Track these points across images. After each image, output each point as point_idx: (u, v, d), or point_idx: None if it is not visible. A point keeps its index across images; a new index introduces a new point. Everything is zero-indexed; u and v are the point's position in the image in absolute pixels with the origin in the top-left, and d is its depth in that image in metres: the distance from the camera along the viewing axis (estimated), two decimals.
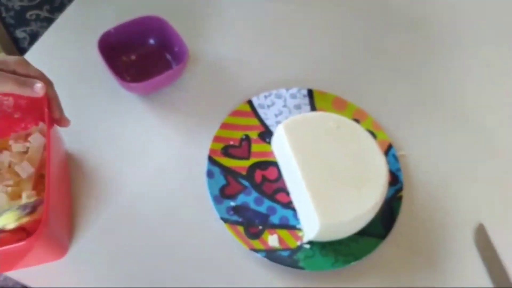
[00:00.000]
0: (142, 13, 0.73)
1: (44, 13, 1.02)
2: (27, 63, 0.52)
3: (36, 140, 0.60)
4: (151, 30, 0.73)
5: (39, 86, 0.51)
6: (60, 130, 0.60)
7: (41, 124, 0.63)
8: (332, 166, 0.59)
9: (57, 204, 0.54)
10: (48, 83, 0.54)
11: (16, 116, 0.61)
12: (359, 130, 0.64)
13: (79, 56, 0.75)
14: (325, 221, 0.55)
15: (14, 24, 1.03)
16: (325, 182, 0.58)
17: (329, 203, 0.57)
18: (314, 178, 0.58)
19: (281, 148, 0.64)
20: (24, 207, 0.52)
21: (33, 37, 1.06)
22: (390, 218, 0.62)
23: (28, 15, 1.01)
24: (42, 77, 0.53)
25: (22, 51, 1.09)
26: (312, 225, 0.57)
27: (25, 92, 0.50)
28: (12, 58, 0.52)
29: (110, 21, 0.72)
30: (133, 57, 0.74)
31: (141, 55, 0.74)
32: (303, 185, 0.58)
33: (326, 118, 0.64)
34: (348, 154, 0.61)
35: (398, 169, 0.66)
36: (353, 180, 0.59)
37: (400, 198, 0.64)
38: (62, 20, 0.80)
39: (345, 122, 0.64)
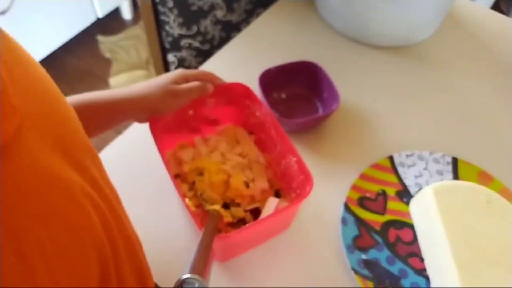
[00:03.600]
0: (297, 57, 0.77)
1: (195, 43, 1.13)
2: (189, 72, 0.63)
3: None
4: (305, 73, 0.77)
5: (210, 87, 0.61)
6: None
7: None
8: (482, 243, 0.56)
9: None
10: (211, 77, 0.63)
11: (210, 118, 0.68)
12: (511, 210, 0.60)
13: None
14: None
15: (168, 49, 1.14)
16: (474, 259, 0.55)
17: (477, 283, 0.53)
18: (463, 252, 0.55)
19: (425, 210, 0.62)
20: None
21: (180, 62, 1.17)
22: None
23: (182, 42, 1.12)
24: (204, 75, 0.63)
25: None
26: None
27: (204, 94, 0.61)
28: (187, 72, 0.62)
29: (267, 60, 0.77)
30: (283, 96, 0.78)
31: (291, 95, 0.78)
32: (450, 258, 0.55)
33: (477, 190, 0.61)
34: (498, 233, 0.58)
35: None
36: (504, 262, 0.55)
37: None
38: (222, 53, 0.87)
39: (497, 198, 0.61)
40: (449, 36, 0.92)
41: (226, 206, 0.63)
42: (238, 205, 0.63)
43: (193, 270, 0.38)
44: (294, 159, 0.58)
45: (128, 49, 1.95)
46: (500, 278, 0.54)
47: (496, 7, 1.77)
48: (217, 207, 0.58)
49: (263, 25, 0.93)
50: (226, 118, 0.68)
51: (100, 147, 0.73)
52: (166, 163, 0.56)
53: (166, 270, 0.60)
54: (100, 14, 1.91)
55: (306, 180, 0.55)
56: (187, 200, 0.55)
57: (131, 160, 0.71)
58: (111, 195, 0.37)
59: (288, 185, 0.62)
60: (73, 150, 0.33)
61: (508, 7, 1.80)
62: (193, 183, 0.63)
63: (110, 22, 2.02)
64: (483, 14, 0.98)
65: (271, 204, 0.60)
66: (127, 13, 2.06)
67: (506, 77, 0.85)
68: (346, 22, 0.88)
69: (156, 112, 0.58)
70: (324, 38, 0.90)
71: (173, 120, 0.63)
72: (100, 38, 1.98)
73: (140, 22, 2.05)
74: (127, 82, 1.83)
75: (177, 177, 0.64)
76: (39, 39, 1.71)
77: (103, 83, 1.83)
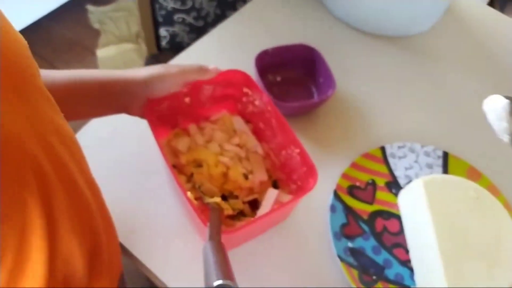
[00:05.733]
0: (295, 41, 0.75)
1: (189, 19, 1.10)
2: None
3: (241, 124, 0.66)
4: (302, 57, 0.75)
5: (214, 69, 0.59)
6: None
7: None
8: (468, 238, 0.57)
9: None
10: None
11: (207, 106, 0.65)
12: (499, 207, 0.61)
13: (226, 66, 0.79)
14: None
15: (161, 22, 1.11)
16: (459, 252, 0.55)
17: (460, 275, 0.54)
18: (449, 246, 0.56)
19: (413, 203, 0.62)
20: None
21: (173, 38, 1.14)
22: None
23: (175, 17, 1.09)
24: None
25: (159, 48, 1.17)
26: None
27: (204, 77, 0.59)
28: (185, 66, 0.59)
29: (262, 42, 0.75)
30: (278, 78, 0.77)
31: (286, 78, 0.77)
32: (436, 251, 0.55)
33: (467, 186, 0.62)
34: (484, 228, 0.58)
35: None
36: (486, 256, 0.56)
37: None
38: (218, 31, 0.85)
39: (486, 194, 0.61)
40: (447, 30, 0.91)
41: (224, 198, 0.61)
42: (236, 197, 0.61)
43: (224, 276, 0.35)
44: (297, 150, 0.57)
45: (118, 21, 1.89)
46: (482, 272, 0.55)
47: (491, 3, 1.78)
48: (217, 199, 0.56)
49: (260, 6, 0.90)
50: (222, 106, 0.66)
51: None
52: (164, 156, 0.53)
53: (157, 257, 0.59)
54: None
55: (310, 172, 0.54)
56: (188, 193, 0.53)
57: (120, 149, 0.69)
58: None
59: (288, 176, 0.61)
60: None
61: (501, 4, 1.81)
62: (191, 175, 0.61)
63: None
64: (480, 10, 0.97)
65: (271, 195, 0.59)
66: None
67: (499, 75, 0.85)
68: (346, 9, 0.87)
69: (151, 91, 0.55)
70: (322, 23, 0.88)
71: (168, 107, 0.60)
72: (90, 8, 1.91)
73: None
74: (115, 54, 1.78)
75: (174, 168, 0.62)
76: (25, 6, 1.65)
77: (90, 54, 1.78)
